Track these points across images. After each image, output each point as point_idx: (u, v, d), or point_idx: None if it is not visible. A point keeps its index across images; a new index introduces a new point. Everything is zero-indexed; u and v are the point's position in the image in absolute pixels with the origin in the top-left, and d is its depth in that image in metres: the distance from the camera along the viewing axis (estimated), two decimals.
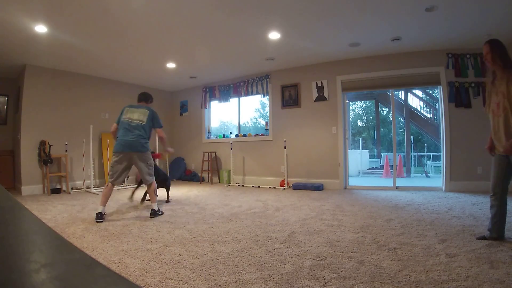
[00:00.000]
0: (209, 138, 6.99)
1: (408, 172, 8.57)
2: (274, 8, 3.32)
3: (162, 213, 3.32)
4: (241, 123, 6.97)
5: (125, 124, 3.21)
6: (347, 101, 7.29)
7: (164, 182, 4.04)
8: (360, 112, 16.04)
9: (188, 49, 4.64)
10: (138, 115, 3.29)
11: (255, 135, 6.26)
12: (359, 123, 15.82)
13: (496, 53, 2.11)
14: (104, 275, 0.26)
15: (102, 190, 5.22)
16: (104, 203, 3.05)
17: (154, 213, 3.17)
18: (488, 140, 2.30)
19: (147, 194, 3.62)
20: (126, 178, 6.05)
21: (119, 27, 3.68)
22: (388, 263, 1.79)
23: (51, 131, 5.20)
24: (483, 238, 2.21)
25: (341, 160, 5.20)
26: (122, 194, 4.86)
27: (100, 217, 2.96)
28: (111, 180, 3.14)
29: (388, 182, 5.46)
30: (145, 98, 3.56)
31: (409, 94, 9.49)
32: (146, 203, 3.76)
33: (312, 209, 3.48)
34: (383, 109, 12.91)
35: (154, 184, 3.35)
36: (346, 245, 2.16)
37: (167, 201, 4.10)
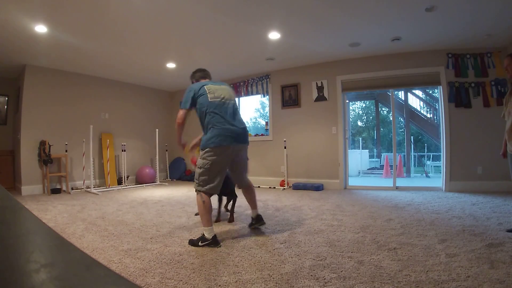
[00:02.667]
0: None
1: (408, 172, 8.58)
2: (274, 8, 3.31)
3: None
4: None
5: (221, 107, 2.30)
6: (347, 101, 7.30)
7: (232, 193, 3.08)
8: (360, 112, 16.05)
9: (188, 49, 4.64)
10: (229, 94, 2.42)
11: (255, 135, 6.25)
12: (359, 123, 15.83)
13: None
14: (104, 275, 0.26)
15: (102, 190, 5.27)
16: (211, 222, 2.22)
17: (262, 218, 2.60)
18: (502, 145, 2.57)
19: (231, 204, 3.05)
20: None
21: (119, 27, 3.68)
22: (388, 263, 1.79)
23: (51, 131, 5.20)
24: (511, 231, 2.35)
25: (341, 160, 5.20)
26: (122, 194, 4.86)
27: (217, 241, 2.18)
28: (211, 188, 2.23)
29: (388, 182, 5.46)
30: (210, 75, 2.68)
31: (409, 94, 9.49)
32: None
33: (312, 209, 3.48)
34: (383, 109, 12.91)
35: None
36: (346, 245, 2.16)
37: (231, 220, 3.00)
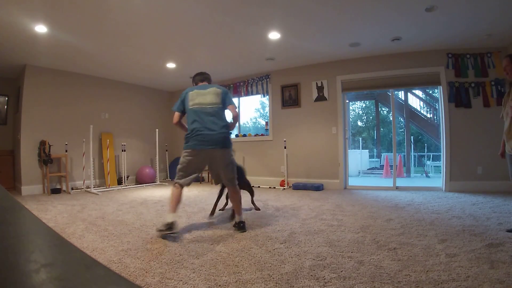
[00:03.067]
0: None
1: (408, 172, 8.58)
2: (274, 9, 3.32)
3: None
4: (241, 123, 6.98)
5: (198, 113, 2.51)
6: (347, 101, 7.30)
7: (247, 184, 3.29)
8: (360, 112, 16.05)
9: (188, 49, 4.64)
10: (211, 98, 2.57)
11: (255, 135, 6.25)
12: (359, 123, 15.83)
13: None
14: (104, 275, 0.26)
15: (102, 190, 5.27)
16: (174, 209, 2.42)
17: (244, 226, 2.60)
18: (501, 146, 2.59)
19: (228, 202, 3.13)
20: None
21: (119, 27, 3.68)
22: (388, 263, 1.79)
23: (51, 131, 5.20)
24: (511, 231, 2.35)
25: (341, 160, 5.20)
26: (122, 194, 4.86)
27: (171, 227, 2.33)
28: (180, 180, 2.50)
29: (388, 182, 5.46)
30: (209, 77, 2.82)
31: (409, 94, 9.49)
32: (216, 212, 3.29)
33: (312, 209, 3.48)
34: (383, 109, 12.91)
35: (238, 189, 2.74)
36: (346, 245, 2.16)
37: (257, 208, 3.46)
